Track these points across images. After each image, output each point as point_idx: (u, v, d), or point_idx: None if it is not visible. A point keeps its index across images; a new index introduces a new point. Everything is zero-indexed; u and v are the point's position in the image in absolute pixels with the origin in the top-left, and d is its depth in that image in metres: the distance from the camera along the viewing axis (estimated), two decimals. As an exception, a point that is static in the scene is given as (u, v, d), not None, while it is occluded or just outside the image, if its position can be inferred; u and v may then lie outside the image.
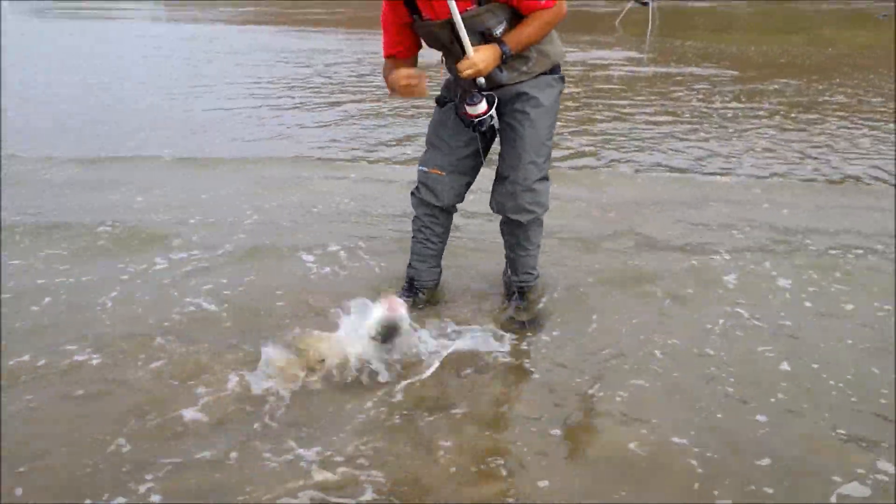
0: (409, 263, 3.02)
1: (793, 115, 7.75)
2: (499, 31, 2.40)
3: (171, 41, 15.02)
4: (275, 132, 6.75)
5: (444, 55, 2.62)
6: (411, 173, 5.34)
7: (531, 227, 2.79)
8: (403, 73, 2.49)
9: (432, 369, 2.52)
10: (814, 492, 1.96)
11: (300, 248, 3.63)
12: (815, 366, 2.57)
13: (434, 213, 2.86)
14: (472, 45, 2.36)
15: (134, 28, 19.05)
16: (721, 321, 2.89)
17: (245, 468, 2.08)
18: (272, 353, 2.55)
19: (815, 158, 5.94)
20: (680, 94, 9.11)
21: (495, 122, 2.51)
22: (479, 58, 2.35)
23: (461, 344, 2.67)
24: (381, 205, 4.42)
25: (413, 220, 2.95)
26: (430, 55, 2.74)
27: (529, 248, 2.87)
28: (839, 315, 2.98)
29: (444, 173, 2.72)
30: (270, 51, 13.40)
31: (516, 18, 2.43)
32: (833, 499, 1.92)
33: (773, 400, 2.36)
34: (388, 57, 2.68)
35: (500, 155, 2.75)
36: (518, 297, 2.97)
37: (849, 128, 7.12)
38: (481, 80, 2.41)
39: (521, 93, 2.57)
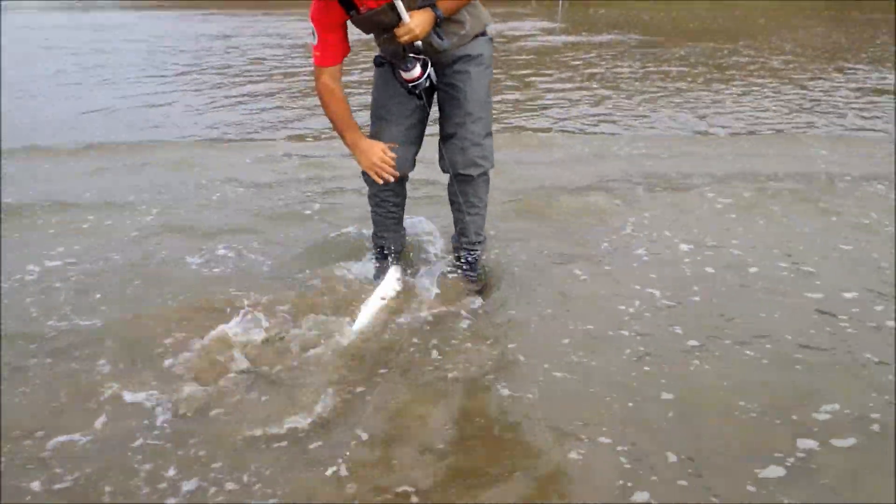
0: (375, 233, 3.08)
1: (697, 78, 7.83)
2: (438, 13, 2.52)
3: (65, 32, 14.08)
4: (169, 119, 6.31)
5: (376, 36, 2.68)
6: (309, 149, 5.51)
7: (479, 182, 2.86)
8: (387, 159, 2.64)
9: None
10: (732, 478, 1.86)
11: (187, 249, 3.34)
12: (727, 342, 2.48)
13: (390, 187, 2.87)
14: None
15: (22, 20, 17.82)
16: (637, 302, 2.75)
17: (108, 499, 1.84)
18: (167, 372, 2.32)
19: (718, 115, 6.04)
20: (589, 61, 9.10)
21: (433, 78, 2.59)
22: (414, 23, 2.44)
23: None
24: (276, 192, 4.13)
25: (370, 197, 2.99)
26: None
27: (479, 205, 2.93)
28: (745, 281, 2.94)
29: (397, 145, 2.76)
30: (169, 37, 12.75)
31: None
32: (751, 485, 1.83)
33: (687, 383, 2.25)
34: (325, 66, 2.67)
35: (443, 116, 2.80)
36: (469, 266, 2.99)
37: (752, 87, 7.24)
38: (418, 44, 2.49)
39: (462, 55, 2.68)
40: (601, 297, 2.81)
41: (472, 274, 2.95)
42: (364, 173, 2.79)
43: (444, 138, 2.79)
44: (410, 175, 2.94)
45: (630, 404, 2.13)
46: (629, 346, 2.45)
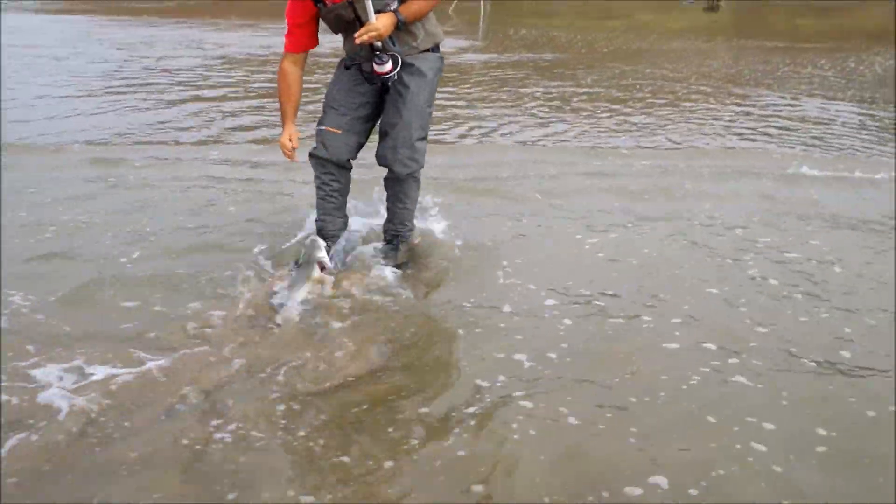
0: (317, 217, 3.32)
1: (601, 98, 7.91)
2: (393, 6, 2.91)
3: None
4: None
5: (344, 37, 3.12)
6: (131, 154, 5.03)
7: (408, 181, 3.24)
8: (287, 144, 3.19)
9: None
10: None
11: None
12: (562, 408, 2.25)
13: (330, 171, 3.20)
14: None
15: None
16: (498, 370, 2.54)
17: None
18: None
19: (612, 133, 6.09)
20: (497, 78, 9.10)
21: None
22: (380, 23, 2.84)
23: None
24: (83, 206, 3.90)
25: (314, 179, 3.27)
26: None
27: (407, 202, 3.31)
28: (606, 336, 2.77)
29: (339, 131, 3.13)
30: (78, 42, 12.13)
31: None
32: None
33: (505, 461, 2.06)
34: (289, 52, 3.17)
35: (384, 115, 3.17)
36: (392, 244, 3.39)
37: (654, 110, 7.35)
38: (378, 43, 2.87)
39: (409, 64, 3.04)
40: (453, 365, 2.62)
41: (394, 250, 3.37)
42: (311, 155, 3.20)
43: (381, 135, 3.18)
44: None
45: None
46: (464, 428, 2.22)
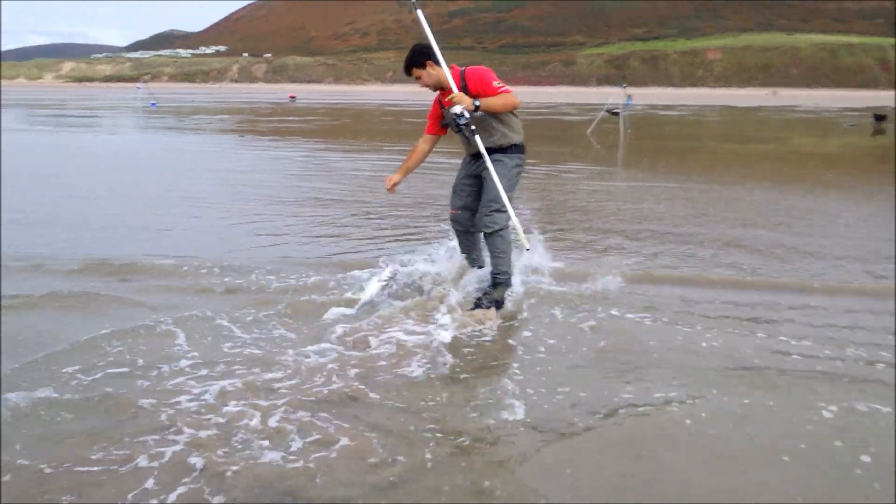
0: (461, 251, 4.89)
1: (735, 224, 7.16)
2: (476, 102, 4.25)
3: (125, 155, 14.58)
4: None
5: (461, 138, 4.49)
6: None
7: (493, 237, 4.47)
8: (388, 183, 4.72)
9: None
10: None
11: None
12: None
13: (461, 232, 4.81)
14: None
15: (85, 140, 18.62)
16: None
17: None
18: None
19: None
20: (633, 207, 8.59)
21: (469, 125, 4.33)
22: (460, 94, 4.25)
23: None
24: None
25: (456, 234, 4.89)
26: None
27: (496, 252, 4.51)
28: None
29: (458, 211, 4.70)
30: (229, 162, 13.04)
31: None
32: None
33: None
34: (424, 134, 4.69)
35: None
36: (490, 286, 4.58)
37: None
38: (456, 109, 4.23)
39: (497, 160, 4.42)
40: None
41: (489, 289, 4.57)
42: (451, 220, 4.81)
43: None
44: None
45: None
46: None
